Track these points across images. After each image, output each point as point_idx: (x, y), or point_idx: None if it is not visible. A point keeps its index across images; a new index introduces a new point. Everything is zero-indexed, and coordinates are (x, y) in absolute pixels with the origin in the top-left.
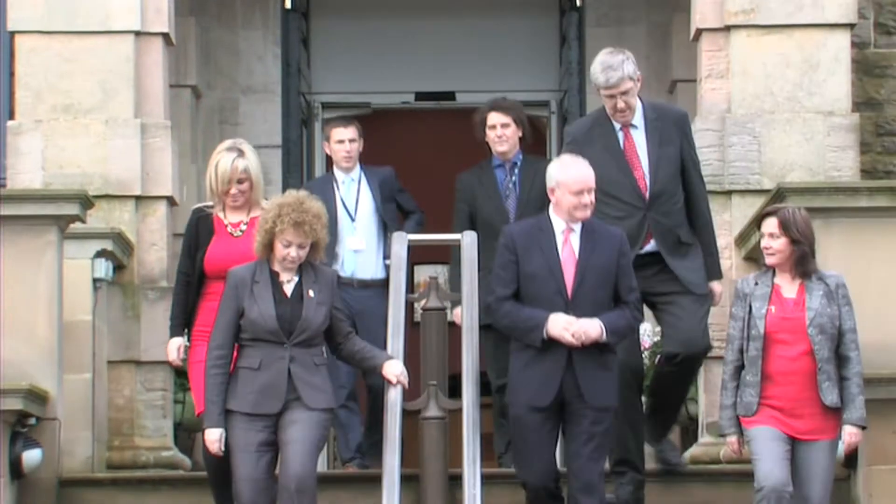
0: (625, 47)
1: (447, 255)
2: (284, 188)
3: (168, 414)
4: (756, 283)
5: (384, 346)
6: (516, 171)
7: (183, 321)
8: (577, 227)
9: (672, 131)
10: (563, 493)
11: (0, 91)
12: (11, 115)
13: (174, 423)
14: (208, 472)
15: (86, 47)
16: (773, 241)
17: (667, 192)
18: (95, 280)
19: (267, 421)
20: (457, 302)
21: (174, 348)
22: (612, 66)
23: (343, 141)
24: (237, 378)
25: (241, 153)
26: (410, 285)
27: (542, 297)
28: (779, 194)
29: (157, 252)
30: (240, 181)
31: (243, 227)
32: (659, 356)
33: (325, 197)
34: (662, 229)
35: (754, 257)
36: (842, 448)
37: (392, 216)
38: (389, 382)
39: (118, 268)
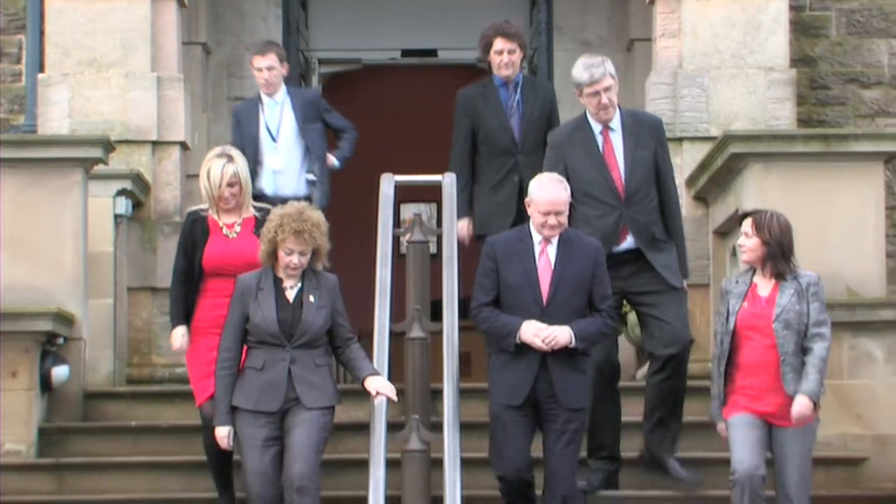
0: (589, 10)
1: (430, 195)
2: None
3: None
4: (736, 282)
5: None
6: (518, 90)
7: (182, 315)
8: (555, 238)
9: (647, 136)
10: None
11: (32, 47)
12: (41, 69)
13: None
14: (207, 456)
15: (108, 8)
16: (747, 241)
17: (641, 191)
18: (116, 216)
19: (271, 417)
20: (463, 216)
21: (178, 336)
22: (593, 64)
23: (262, 69)
24: (244, 377)
25: (230, 159)
26: (397, 221)
27: (520, 305)
28: (724, 141)
29: (171, 191)
30: (230, 185)
31: (237, 229)
32: (647, 365)
33: (250, 119)
34: (638, 226)
35: (702, 196)
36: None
37: (315, 137)
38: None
39: (137, 205)
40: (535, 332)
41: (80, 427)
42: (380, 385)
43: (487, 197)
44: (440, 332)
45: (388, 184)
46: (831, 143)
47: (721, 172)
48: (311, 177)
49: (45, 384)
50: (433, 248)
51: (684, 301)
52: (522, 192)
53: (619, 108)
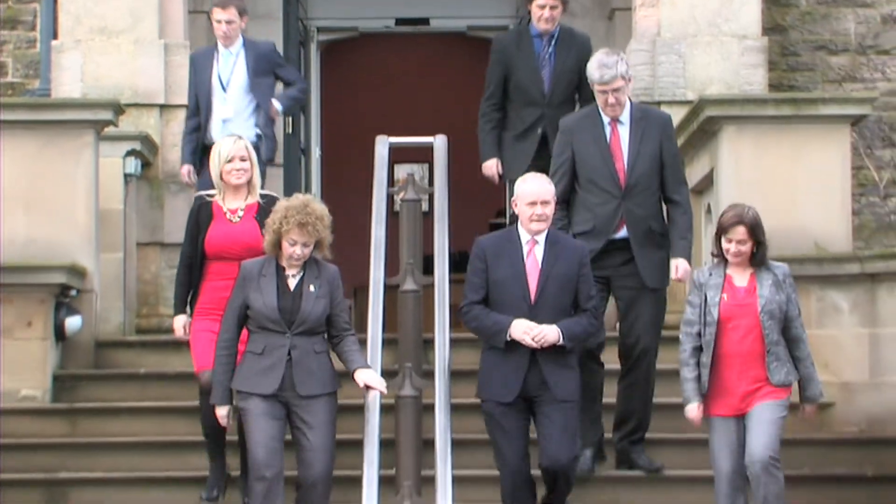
0: None
1: (422, 156)
2: None
3: None
4: (710, 274)
5: None
6: (553, 42)
7: (185, 299)
8: (542, 239)
9: (655, 131)
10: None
11: (46, 15)
12: (55, 36)
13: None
14: (203, 426)
15: None
16: (743, 246)
17: (642, 184)
18: (126, 175)
19: (272, 399)
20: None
21: (180, 325)
22: (607, 65)
23: (221, 21)
24: (243, 361)
25: (239, 137)
26: (391, 181)
27: (508, 302)
28: (700, 105)
29: (177, 152)
30: (242, 158)
31: (240, 214)
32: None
33: (204, 68)
34: (635, 218)
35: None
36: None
37: (264, 90)
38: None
39: (145, 165)
40: (525, 330)
41: (92, 374)
42: (369, 378)
43: (510, 145)
44: (432, 285)
45: (382, 145)
46: (801, 107)
47: (697, 135)
48: (259, 131)
49: (59, 334)
50: (425, 206)
51: (659, 303)
52: (545, 144)
53: (631, 102)
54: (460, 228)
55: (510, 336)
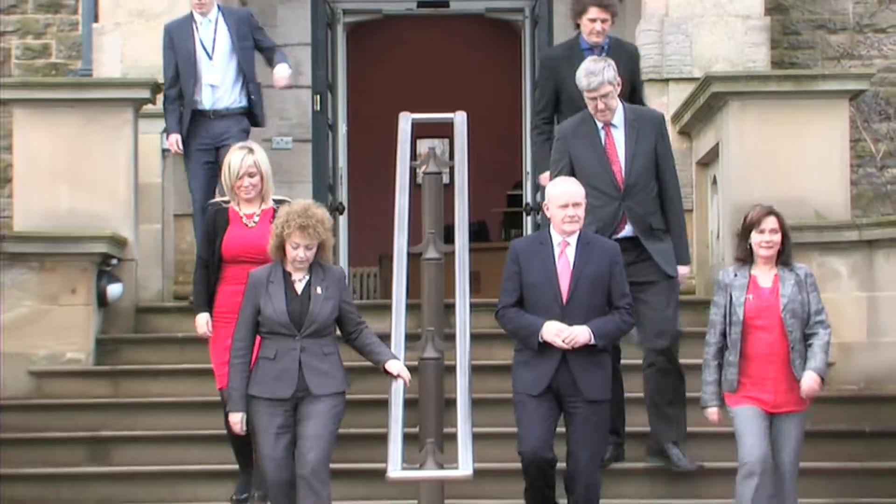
0: None
1: (443, 131)
2: (314, 78)
3: None
4: (735, 275)
5: None
6: (604, 53)
7: (205, 300)
8: (573, 240)
9: (648, 131)
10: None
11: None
12: (96, 19)
13: None
14: (228, 435)
15: None
16: (775, 236)
17: (640, 184)
18: (163, 150)
19: (285, 405)
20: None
21: (203, 322)
22: (593, 72)
23: None
24: (258, 367)
25: (250, 150)
26: (414, 155)
27: (541, 303)
28: (706, 81)
29: None
30: (250, 175)
31: (256, 219)
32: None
33: (184, 37)
34: (636, 216)
35: (686, 131)
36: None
37: (247, 54)
38: (391, 376)
39: None
40: (556, 332)
41: (132, 338)
42: (400, 368)
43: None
44: (452, 253)
45: (405, 121)
46: (801, 83)
47: (703, 110)
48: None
49: (101, 300)
50: (446, 179)
51: (675, 291)
52: None
53: (623, 104)
54: (479, 200)
55: (542, 338)
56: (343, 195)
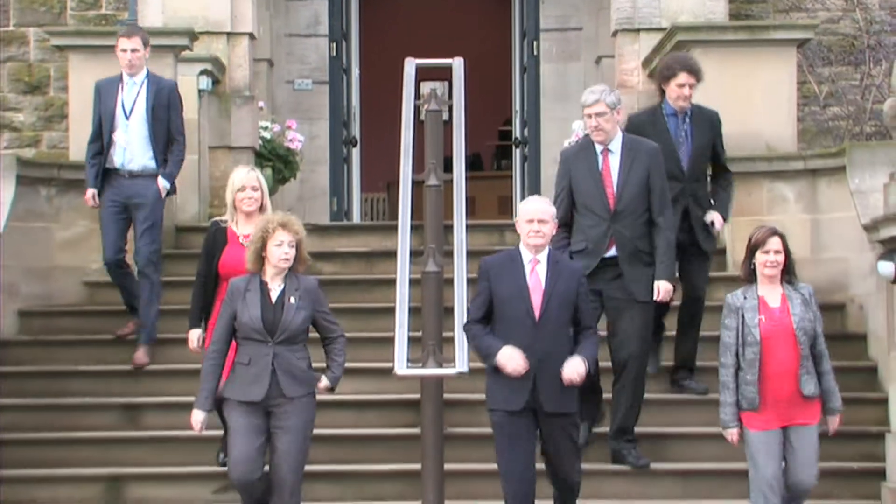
0: None
1: (443, 74)
2: (330, 28)
3: None
4: (745, 297)
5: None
6: (688, 120)
7: (199, 315)
8: (543, 258)
9: (644, 160)
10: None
11: None
12: None
13: None
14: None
15: None
16: (779, 257)
17: (629, 209)
18: (200, 91)
19: (257, 408)
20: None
21: (194, 338)
22: (593, 91)
23: (126, 50)
24: (234, 371)
25: (253, 168)
26: (417, 95)
27: (514, 317)
28: (672, 31)
29: (241, 71)
30: (253, 188)
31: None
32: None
33: (109, 94)
34: (623, 239)
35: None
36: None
37: (161, 123)
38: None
39: (215, 82)
40: (505, 362)
41: (173, 253)
42: (324, 386)
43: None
44: (451, 181)
45: (410, 66)
46: (755, 33)
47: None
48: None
49: None
50: (445, 116)
51: (646, 314)
52: (686, 216)
53: (623, 134)
54: (474, 134)
55: (497, 362)
56: (356, 130)
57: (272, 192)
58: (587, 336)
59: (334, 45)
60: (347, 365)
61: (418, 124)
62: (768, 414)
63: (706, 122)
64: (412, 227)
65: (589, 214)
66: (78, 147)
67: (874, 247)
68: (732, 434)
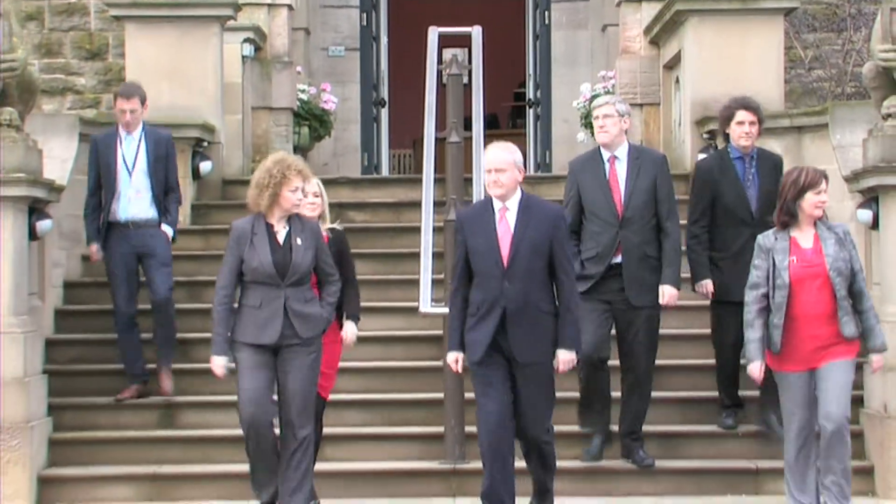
0: None
1: (464, 42)
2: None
3: (289, 140)
4: (776, 238)
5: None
6: (754, 162)
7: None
8: (513, 205)
9: (650, 168)
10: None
11: None
12: None
13: (293, 146)
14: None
15: None
16: (826, 195)
17: (637, 215)
18: (243, 57)
19: (268, 349)
20: (705, 276)
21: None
22: (606, 97)
23: (125, 111)
24: (242, 314)
25: (317, 177)
26: (440, 60)
27: (484, 269)
28: (671, 1)
29: (281, 39)
30: (315, 195)
31: None
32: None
33: (108, 149)
34: (630, 245)
35: (656, 41)
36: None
37: (161, 175)
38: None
39: (257, 49)
40: (450, 362)
41: (219, 204)
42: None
43: (732, 263)
44: (470, 138)
45: (433, 34)
46: (747, 2)
47: (669, 24)
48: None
49: (195, 174)
50: (465, 80)
51: (652, 321)
52: None
53: (629, 143)
54: (491, 96)
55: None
56: (384, 92)
57: (308, 149)
58: (565, 312)
59: (364, 15)
60: (377, 304)
61: (441, 87)
62: (797, 356)
63: (770, 164)
64: (435, 180)
65: (597, 221)
66: None
67: (854, 196)
68: (755, 370)
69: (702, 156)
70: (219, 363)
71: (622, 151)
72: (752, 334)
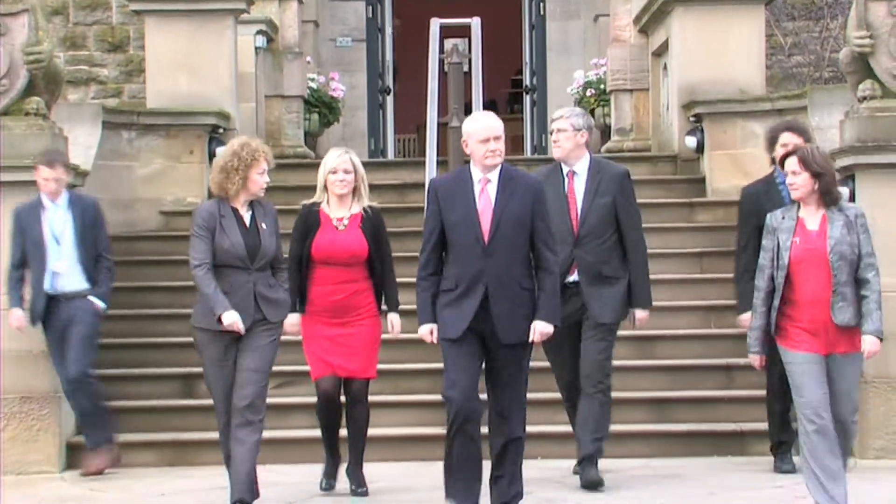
0: None
1: (464, 32)
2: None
3: (300, 126)
4: (783, 218)
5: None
6: None
7: (295, 298)
8: (494, 177)
9: (609, 185)
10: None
11: None
12: None
13: (304, 132)
14: (320, 422)
15: None
16: (796, 178)
17: (594, 233)
18: (256, 48)
19: (230, 336)
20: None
21: (289, 325)
22: (564, 110)
23: (48, 179)
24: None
25: (347, 150)
26: (442, 50)
27: (463, 243)
28: None
29: (291, 31)
30: (345, 171)
31: (345, 222)
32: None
33: (32, 222)
34: (585, 264)
35: (645, 30)
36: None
37: (89, 243)
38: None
39: (269, 40)
40: (425, 334)
41: None
42: (232, 319)
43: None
44: None
45: (435, 25)
46: None
47: (657, 14)
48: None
49: (212, 159)
50: (466, 68)
51: (609, 339)
52: None
53: (591, 157)
54: (490, 83)
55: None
56: (389, 80)
57: (318, 135)
58: (544, 287)
59: (370, 7)
60: (397, 231)
61: (442, 75)
62: (806, 339)
63: None
64: (438, 163)
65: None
66: (153, 96)
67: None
68: (754, 359)
69: (689, 138)
70: (230, 319)
71: (581, 166)
72: (755, 321)
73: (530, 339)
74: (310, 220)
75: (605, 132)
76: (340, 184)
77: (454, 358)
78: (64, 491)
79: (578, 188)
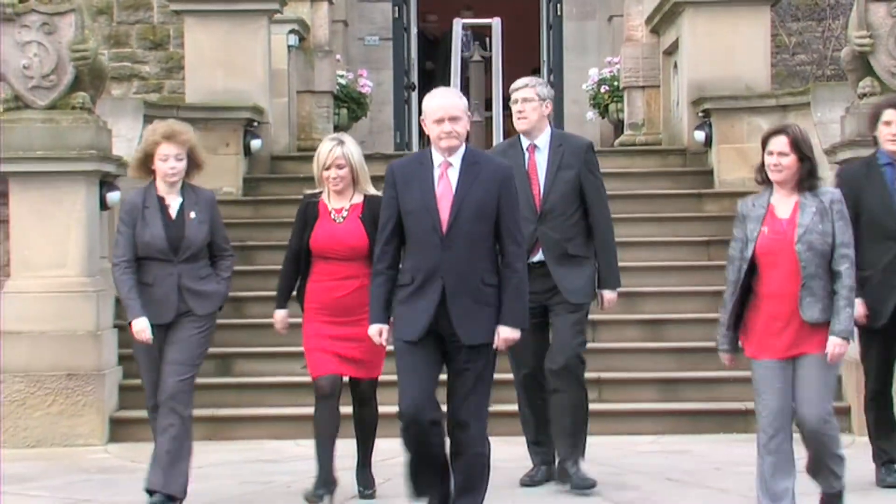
0: None
1: (486, 31)
2: None
3: (330, 120)
4: (753, 205)
5: None
6: None
7: (287, 294)
8: (457, 161)
9: (573, 158)
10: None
11: None
12: None
13: (333, 126)
14: (316, 429)
15: None
16: (784, 159)
17: (557, 209)
18: (289, 46)
19: (161, 330)
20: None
21: (278, 319)
22: (525, 79)
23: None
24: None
25: (340, 142)
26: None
27: (419, 233)
28: None
29: (322, 30)
30: (338, 166)
31: (345, 213)
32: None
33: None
34: (549, 241)
35: (656, 30)
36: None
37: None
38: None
39: (301, 39)
40: (376, 335)
41: (268, 177)
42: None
43: (879, 284)
44: (491, 117)
45: (458, 24)
46: None
47: (668, 14)
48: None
49: (247, 151)
50: (487, 65)
51: (580, 315)
52: None
53: (552, 129)
54: (509, 79)
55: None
56: (414, 77)
57: (346, 128)
58: (507, 286)
59: (397, 8)
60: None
61: (465, 71)
62: (769, 342)
63: None
64: None
65: None
66: (192, 92)
67: (833, 168)
68: (723, 358)
69: (698, 132)
70: (141, 326)
71: (543, 140)
72: (722, 317)
73: (494, 346)
74: (308, 213)
75: (619, 126)
76: (335, 181)
77: (409, 363)
78: (107, 462)
79: (540, 162)
